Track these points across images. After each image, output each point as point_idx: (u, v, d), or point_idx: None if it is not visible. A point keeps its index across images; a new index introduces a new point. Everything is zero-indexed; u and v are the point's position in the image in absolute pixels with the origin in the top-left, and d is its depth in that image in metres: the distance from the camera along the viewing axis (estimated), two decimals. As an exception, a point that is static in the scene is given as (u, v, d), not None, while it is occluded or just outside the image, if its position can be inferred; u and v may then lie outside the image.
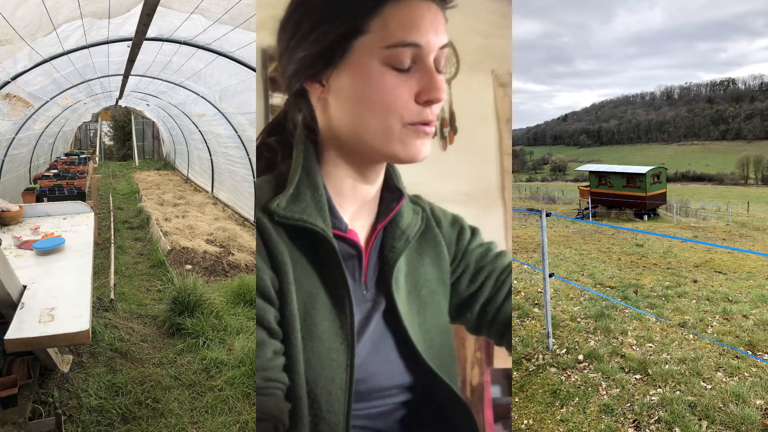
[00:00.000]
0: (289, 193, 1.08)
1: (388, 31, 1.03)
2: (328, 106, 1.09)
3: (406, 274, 1.20)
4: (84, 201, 4.69)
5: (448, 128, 1.57)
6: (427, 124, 1.08)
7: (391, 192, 1.19)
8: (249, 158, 7.93)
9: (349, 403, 1.09)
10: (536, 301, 4.94)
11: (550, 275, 3.95)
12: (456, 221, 1.30)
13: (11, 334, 1.81)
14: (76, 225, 3.47)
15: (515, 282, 5.71)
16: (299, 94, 1.11)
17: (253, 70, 5.37)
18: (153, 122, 20.53)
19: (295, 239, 1.08)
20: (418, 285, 1.21)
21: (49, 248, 2.77)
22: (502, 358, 1.43)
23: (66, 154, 13.57)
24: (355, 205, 1.16)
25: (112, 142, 24.01)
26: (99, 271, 5.43)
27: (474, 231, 1.31)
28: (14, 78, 4.88)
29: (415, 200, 1.24)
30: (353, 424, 1.13)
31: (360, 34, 1.04)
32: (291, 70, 1.09)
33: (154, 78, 8.20)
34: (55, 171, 8.43)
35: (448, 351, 1.22)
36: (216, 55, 5.49)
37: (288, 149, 1.13)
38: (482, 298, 1.27)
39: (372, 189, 1.17)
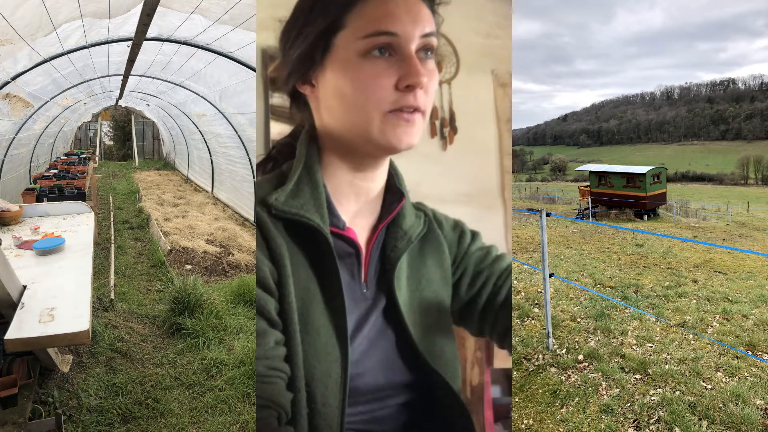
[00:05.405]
0: (288, 188, 1.10)
1: (363, 22, 1.06)
2: (320, 105, 1.12)
3: (408, 275, 1.21)
4: (84, 201, 4.69)
5: (448, 128, 1.57)
6: (408, 110, 1.08)
7: (393, 193, 1.20)
8: (249, 158, 7.92)
9: (344, 398, 1.10)
10: (536, 301, 4.94)
11: (550, 275, 3.95)
12: (457, 225, 1.32)
13: (11, 334, 1.81)
14: (76, 225, 3.47)
15: (515, 282, 5.71)
16: (296, 95, 1.15)
17: (253, 70, 5.37)
18: (153, 122, 20.51)
19: (292, 233, 1.10)
20: (420, 285, 1.22)
21: (49, 248, 2.77)
22: (502, 358, 1.43)
23: (66, 154, 13.55)
24: (356, 205, 1.17)
25: (112, 142, 24.00)
26: (99, 271, 5.43)
27: (474, 234, 1.32)
28: (14, 78, 4.88)
29: (418, 205, 1.27)
30: (353, 428, 1.14)
31: (339, 29, 1.07)
32: (286, 73, 1.13)
33: (154, 78, 8.20)
34: (55, 171, 8.42)
35: (451, 351, 1.23)
36: (216, 55, 5.49)
37: (292, 151, 1.16)
38: (481, 302, 1.28)
39: (372, 187, 1.18)
